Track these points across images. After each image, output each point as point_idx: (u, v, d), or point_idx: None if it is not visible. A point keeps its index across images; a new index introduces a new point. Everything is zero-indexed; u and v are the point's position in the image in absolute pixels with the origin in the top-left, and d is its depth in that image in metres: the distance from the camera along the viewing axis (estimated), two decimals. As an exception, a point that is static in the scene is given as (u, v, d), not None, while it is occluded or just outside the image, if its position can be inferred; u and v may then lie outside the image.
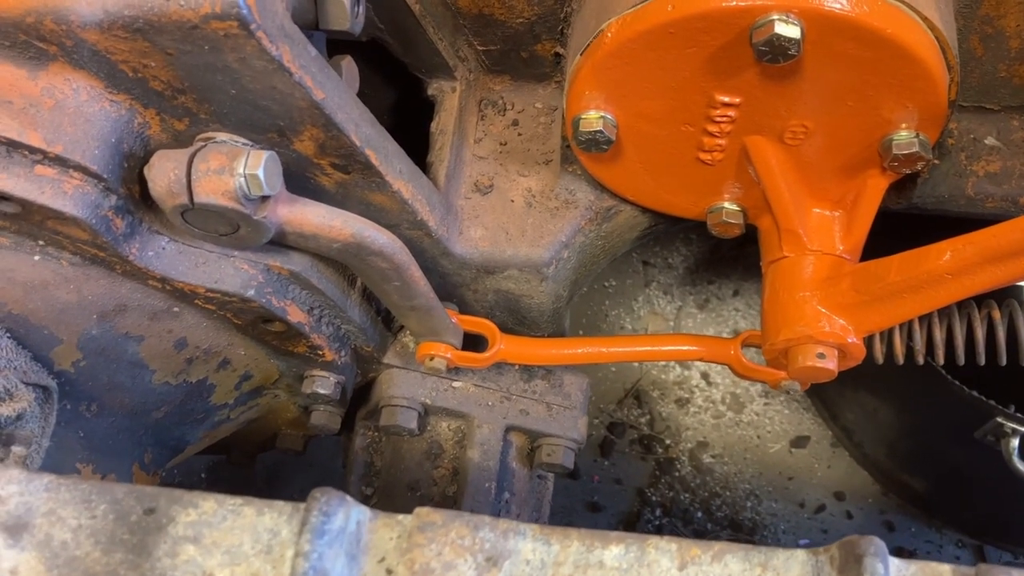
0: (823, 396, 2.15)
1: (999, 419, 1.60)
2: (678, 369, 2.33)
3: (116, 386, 0.93)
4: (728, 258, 2.48)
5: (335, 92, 0.78)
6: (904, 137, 0.83)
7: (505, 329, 1.08)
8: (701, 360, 1.08)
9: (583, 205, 1.00)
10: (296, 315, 0.92)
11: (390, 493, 1.14)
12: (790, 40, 0.72)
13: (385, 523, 0.56)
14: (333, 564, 0.52)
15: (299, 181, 0.86)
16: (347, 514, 0.53)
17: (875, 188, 0.90)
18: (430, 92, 1.03)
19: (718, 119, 0.85)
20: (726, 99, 0.83)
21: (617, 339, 1.09)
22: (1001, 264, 0.81)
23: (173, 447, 1.08)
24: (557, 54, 0.99)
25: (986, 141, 0.99)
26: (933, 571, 0.51)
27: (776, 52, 0.73)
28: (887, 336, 1.02)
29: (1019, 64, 0.92)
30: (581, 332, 2.36)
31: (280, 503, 0.56)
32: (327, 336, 0.97)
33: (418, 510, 0.56)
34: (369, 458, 1.18)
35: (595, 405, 2.28)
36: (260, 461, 1.58)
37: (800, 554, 0.53)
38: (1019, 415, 1.59)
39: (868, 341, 1.00)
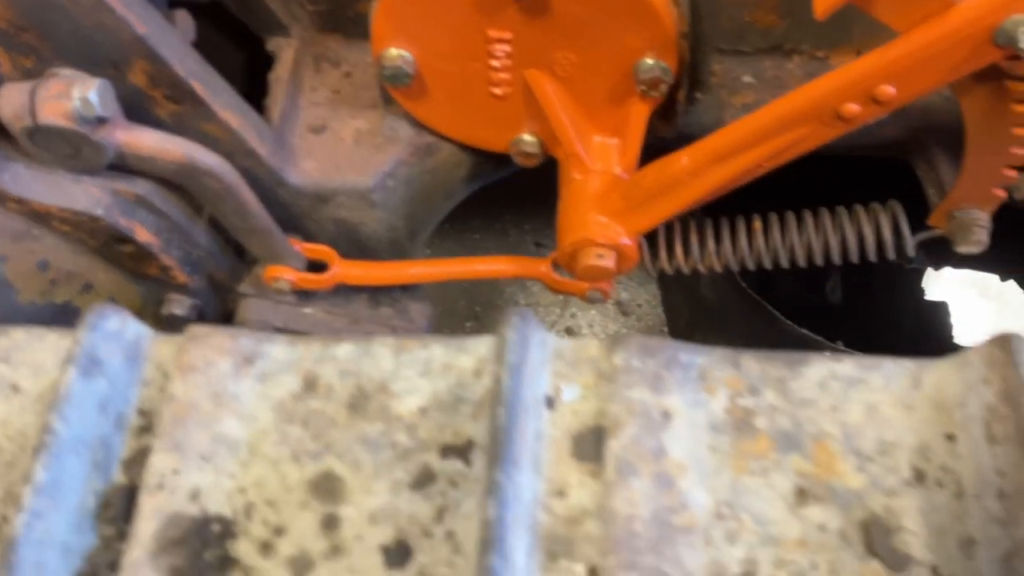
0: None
1: (827, 355, 1.77)
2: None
3: (-16, 303, 1.05)
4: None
5: (158, 29, 0.92)
6: (648, 64, 1.00)
7: (348, 258, 1.22)
8: (516, 276, 1.23)
9: (404, 140, 1.15)
10: (144, 235, 1.06)
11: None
12: (527, -26, 0.88)
13: (164, 340, 0.70)
14: (109, 358, 0.65)
15: (140, 113, 1.00)
16: (123, 322, 0.67)
17: (639, 114, 1.07)
18: (269, 48, 1.18)
19: (497, 54, 1.01)
20: (498, 35, 0.99)
21: (442, 262, 1.24)
22: (727, 162, 0.98)
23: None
24: (377, 11, 1.14)
25: (744, 79, 1.16)
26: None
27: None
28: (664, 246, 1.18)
29: (757, 10, 1.09)
30: (478, 308, 2.51)
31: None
32: (177, 258, 1.11)
33: (189, 327, 0.70)
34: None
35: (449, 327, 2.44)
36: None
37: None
38: (845, 349, 1.76)
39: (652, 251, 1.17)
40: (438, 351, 0.67)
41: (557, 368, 0.65)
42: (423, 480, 0.63)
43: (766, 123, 0.93)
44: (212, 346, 0.68)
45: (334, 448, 0.65)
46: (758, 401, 0.63)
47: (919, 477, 0.59)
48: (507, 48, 1.00)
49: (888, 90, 0.86)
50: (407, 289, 1.32)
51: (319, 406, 0.67)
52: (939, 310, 2.53)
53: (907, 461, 0.60)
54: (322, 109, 1.17)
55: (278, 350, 0.69)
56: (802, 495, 0.60)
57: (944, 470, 0.59)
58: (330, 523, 0.62)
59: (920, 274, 2.54)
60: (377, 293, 1.30)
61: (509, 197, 2.70)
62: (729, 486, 0.60)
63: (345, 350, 0.68)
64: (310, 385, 0.68)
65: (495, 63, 1.03)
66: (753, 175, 1.01)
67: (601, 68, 1.02)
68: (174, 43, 0.95)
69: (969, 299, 2.92)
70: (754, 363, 0.64)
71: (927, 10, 0.80)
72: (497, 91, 1.07)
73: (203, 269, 1.16)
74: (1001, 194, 1.07)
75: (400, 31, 1.00)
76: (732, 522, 0.59)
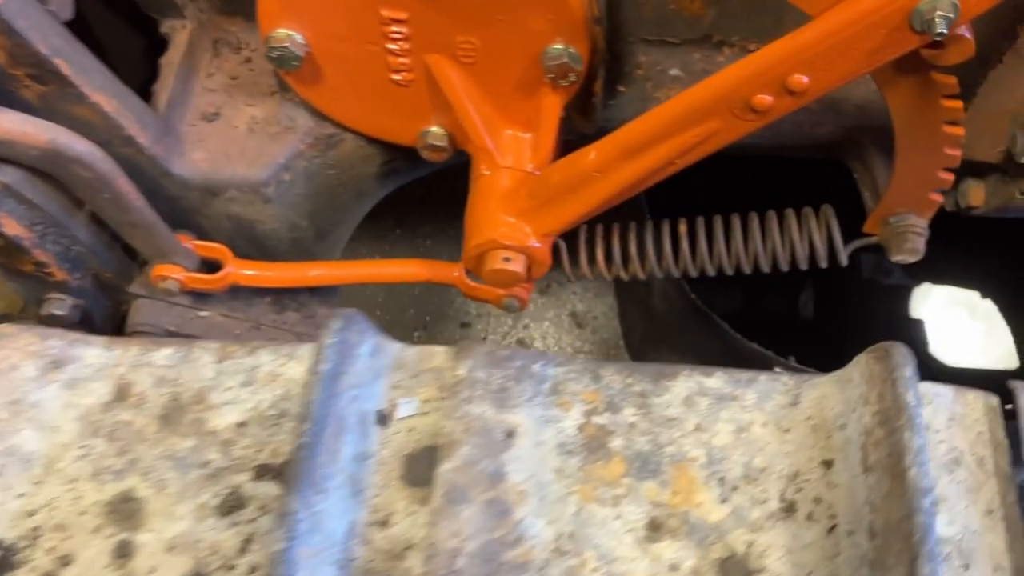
0: (637, 359, 2.25)
1: (777, 369, 1.70)
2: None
3: None
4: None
5: (16, 1, 0.84)
6: (556, 50, 0.92)
7: (247, 259, 1.14)
8: (430, 281, 1.15)
9: (302, 130, 1.07)
10: (13, 228, 0.97)
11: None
12: (414, -53, 0.81)
13: (-34, 338, 0.62)
14: None
15: (5, 96, 0.92)
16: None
17: (551, 106, 0.99)
18: (163, 30, 1.10)
19: (393, 36, 0.94)
20: (393, 15, 0.91)
21: (348, 263, 1.16)
22: (636, 158, 0.90)
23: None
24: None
25: (671, 72, 1.09)
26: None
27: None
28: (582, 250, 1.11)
29: (681, -5, 1.02)
30: (428, 318, 2.43)
31: None
32: (54, 254, 1.02)
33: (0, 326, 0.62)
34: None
35: (396, 337, 2.33)
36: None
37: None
38: (796, 365, 1.69)
39: (571, 257, 1.10)
40: (266, 358, 0.60)
41: (397, 380, 0.58)
42: (232, 505, 0.55)
43: (675, 115, 0.86)
44: (17, 348, 0.60)
45: (139, 466, 0.57)
46: (616, 419, 0.55)
47: (789, 509, 0.52)
48: (404, 30, 0.93)
49: (801, 79, 0.79)
50: (317, 292, 1.24)
51: (128, 417, 0.59)
52: (917, 328, 2.46)
53: (777, 490, 0.52)
54: (217, 96, 1.09)
55: (93, 354, 0.61)
56: (655, 528, 0.52)
57: (817, 501, 0.52)
58: (124, 551, 0.54)
59: (899, 290, 2.47)
60: (283, 296, 1.22)
61: (463, 203, 2.63)
62: (574, 516, 0.52)
63: (164, 355, 0.61)
64: (122, 393, 0.60)
65: (393, 46, 0.95)
66: (667, 172, 0.93)
67: (506, 54, 0.94)
68: (36, 17, 0.87)
69: (958, 319, 2.80)
70: (617, 376, 0.57)
71: (836, -11, 0.73)
72: (398, 77, 0.99)
73: (85, 267, 1.08)
74: (937, 199, 1.00)
75: (289, 10, 0.92)
76: (573, 559, 0.51)
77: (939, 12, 0.69)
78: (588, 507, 0.53)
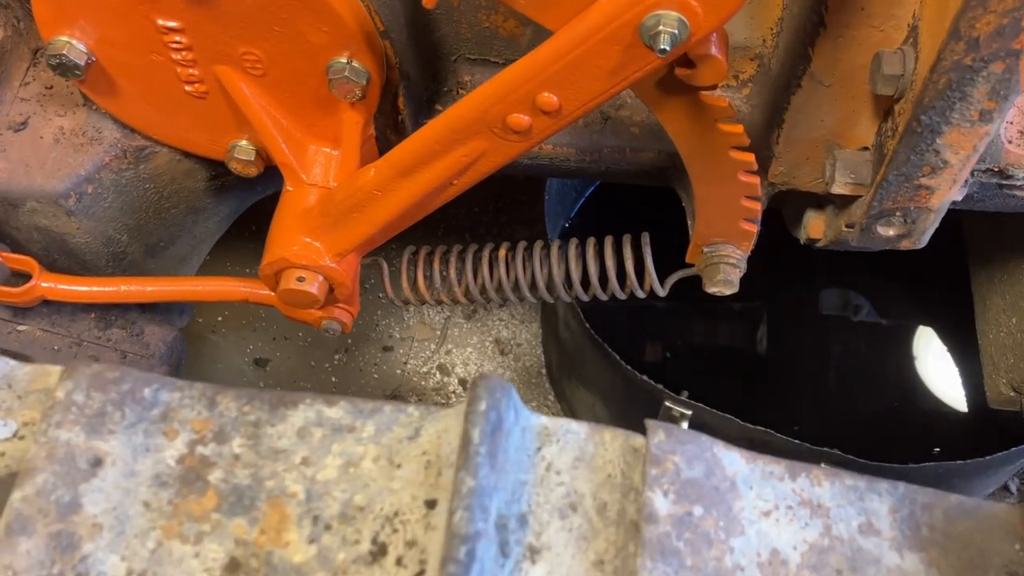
0: (564, 397, 2.20)
1: (668, 403, 1.65)
2: (438, 376, 2.37)
3: None
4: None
5: None
6: (338, 64, 0.89)
7: (70, 274, 1.11)
8: (247, 301, 1.11)
9: (108, 142, 1.04)
10: None
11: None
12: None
13: None
14: None
15: None
16: None
17: (351, 122, 0.96)
18: (-23, 37, 1.07)
19: (174, 46, 0.91)
20: (167, 23, 0.88)
21: (157, 280, 1.12)
22: (413, 177, 0.87)
23: None
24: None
25: (495, 91, 1.06)
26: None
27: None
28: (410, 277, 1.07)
29: (494, 14, 0.99)
30: (349, 341, 2.39)
31: None
32: None
33: None
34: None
35: (318, 358, 2.30)
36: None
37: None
38: (685, 399, 1.64)
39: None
40: None
41: (2, 399, 0.54)
42: None
43: (438, 135, 0.82)
44: None
45: None
46: (221, 449, 0.51)
47: (379, 552, 0.47)
48: (183, 39, 0.90)
49: (551, 98, 0.75)
50: (147, 309, 1.21)
51: None
52: (881, 361, 2.40)
53: (371, 531, 0.48)
54: (28, 105, 1.06)
55: None
56: (233, 568, 0.48)
57: (411, 544, 0.47)
58: None
59: (868, 326, 2.41)
60: (109, 312, 1.18)
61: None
62: (151, 553, 0.48)
63: None
64: None
65: (176, 57, 0.92)
66: (451, 193, 0.90)
67: (293, 67, 0.91)
68: None
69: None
70: (234, 404, 0.53)
71: (571, 3, 0.69)
72: (190, 89, 0.96)
73: None
74: (750, 228, 0.95)
75: (65, 17, 0.89)
76: (130, 601, 0.47)
77: (663, 28, 0.65)
78: (168, 544, 0.48)
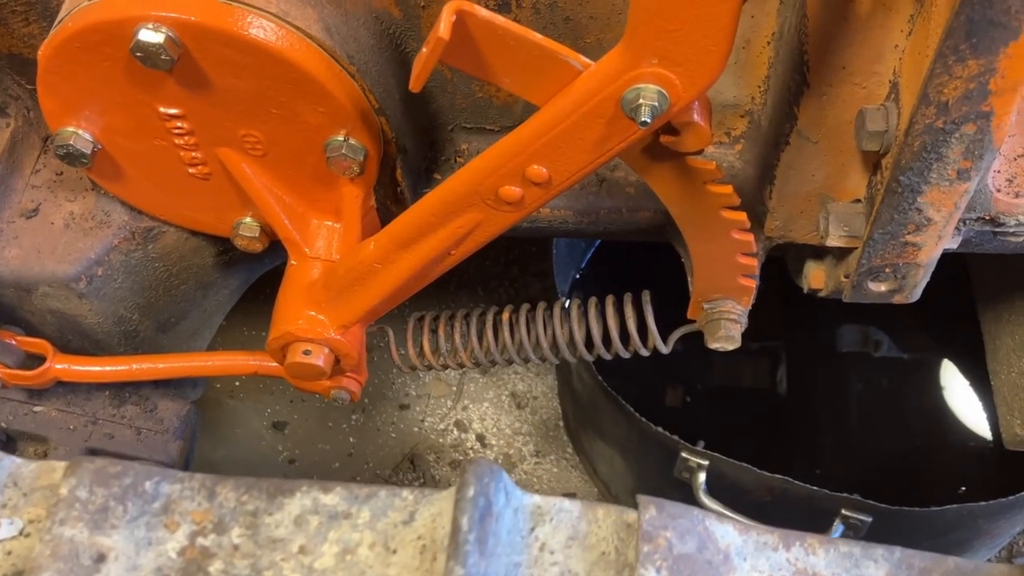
0: (583, 450, 2.20)
1: (684, 454, 1.65)
2: (455, 432, 2.37)
3: None
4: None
5: None
6: (336, 142, 0.91)
7: (83, 354, 1.13)
8: (257, 374, 1.13)
9: (117, 224, 1.06)
10: None
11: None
12: (156, 46, 0.80)
13: None
14: None
15: None
16: None
17: (352, 196, 0.98)
18: (-11, 129, 1.10)
19: (176, 132, 0.93)
20: (169, 111, 0.91)
21: (172, 356, 1.13)
22: (412, 248, 0.88)
23: None
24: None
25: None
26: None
27: (151, 58, 0.81)
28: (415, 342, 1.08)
29: (488, 84, 1.01)
30: (366, 400, 2.40)
31: None
32: None
33: None
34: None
35: (371, 471, 2.30)
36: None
37: None
38: (702, 450, 1.63)
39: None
40: None
41: (7, 497, 0.55)
42: None
43: (434, 208, 0.84)
44: None
45: None
46: (222, 540, 0.52)
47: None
48: (184, 125, 0.92)
49: (540, 170, 0.76)
50: (161, 384, 1.22)
51: None
52: (903, 398, 2.38)
53: (365, 622, 0.49)
54: (40, 192, 1.09)
55: None
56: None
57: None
58: None
59: (888, 361, 2.39)
60: (123, 389, 1.20)
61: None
62: (151, 650, 0.49)
63: None
64: None
65: (179, 142, 0.94)
66: (449, 263, 0.91)
67: (292, 146, 0.93)
68: None
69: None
70: (232, 493, 0.54)
71: (555, 80, 0.71)
72: (194, 171, 0.98)
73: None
74: (749, 283, 0.96)
75: (71, 108, 0.92)
76: None
77: (643, 101, 0.67)
78: (169, 639, 0.49)
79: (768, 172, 0.94)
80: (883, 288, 0.82)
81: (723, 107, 0.99)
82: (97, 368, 1.10)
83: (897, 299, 0.84)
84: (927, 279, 0.83)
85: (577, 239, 2.02)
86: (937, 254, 0.77)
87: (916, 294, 0.85)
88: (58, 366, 1.09)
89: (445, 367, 1.10)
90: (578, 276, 2.21)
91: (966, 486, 1.99)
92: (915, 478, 2.11)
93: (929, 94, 0.63)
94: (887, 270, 0.78)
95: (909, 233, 0.73)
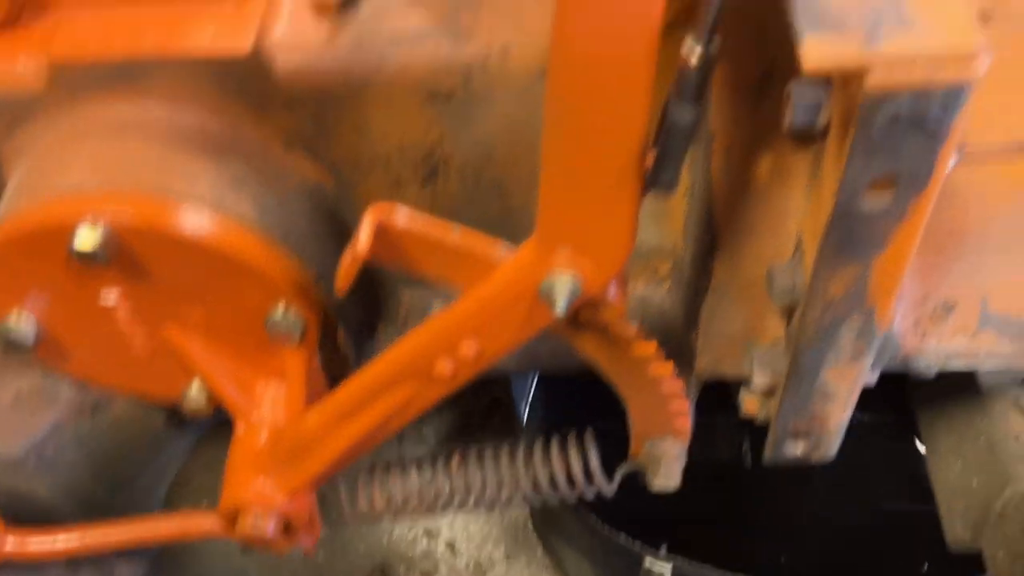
0: (552, 550, 2.20)
1: (647, 561, 1.66)
2: (424, 542, 2.36)
3: None
4: (477, 426, 2.57)
5: None
6: (275, 316, 0.94)
7: (34, 523, 1.13)
8: (210, 537, 1.13)
9: (64, 400, 1.08)
10: None
11: None
12: (94, 246, 0.83)
13: None
14: None
15: None
16: None
17: (295, 361, 1.00)
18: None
19: (119, 313, 0.95)
20: (110, 295, 0.93)
21: (130, 524, 1.13)
22: (352, 419, 0.91)
23: None
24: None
25: (432, 308, 1.11)
26: None
27: (89, 257, 0.84)
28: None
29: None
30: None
31: None
32: None
33: None
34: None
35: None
36: None
37: None
38: (663, 555, 1.65)
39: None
40: None
41: None
42: None
43: (370, 383, 0.87)
44: None
45: None
46: None
47: None
48: (127, 306, 0.95)
49: (471, 346, 0.80)
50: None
51: None
52: (864, 471, 2.40)
53: None
54: (-13, 370, 1.10)
55: None
56: None
57: None
58: None
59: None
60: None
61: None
62: None
63: None
64: None
65: (122, 320, 0.97)
66: (392, 429, 0.94)
67: (232, 322, 0.96)
68: None
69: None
70: None
71: (476, 273, 0.75)
72: (138, 347, 1.00)
73: None
74: (683, 423, 0.99)
75: (11, 297, 0.94)
76: None
77: (558, 289, 0.71)
78: None
79: (693, 316, 0.98)
80: (799, 452, 0.85)
81: (649, 250, 1.04)
82: (48, 546, 1.10)
83: (815, 458, 0.88)
84: (841, 437, 0.87)
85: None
86: (847, 416, 0.81)
87: (832, 451, 0.88)
88: (9, 548, 1.08)
89: (397, 515, 1.11)
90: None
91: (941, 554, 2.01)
92: (887, 550, 2.12)
93: (817, 292, 0.68)
94: (802, 434, 0.82)
95: (816, 404, 0.77)
